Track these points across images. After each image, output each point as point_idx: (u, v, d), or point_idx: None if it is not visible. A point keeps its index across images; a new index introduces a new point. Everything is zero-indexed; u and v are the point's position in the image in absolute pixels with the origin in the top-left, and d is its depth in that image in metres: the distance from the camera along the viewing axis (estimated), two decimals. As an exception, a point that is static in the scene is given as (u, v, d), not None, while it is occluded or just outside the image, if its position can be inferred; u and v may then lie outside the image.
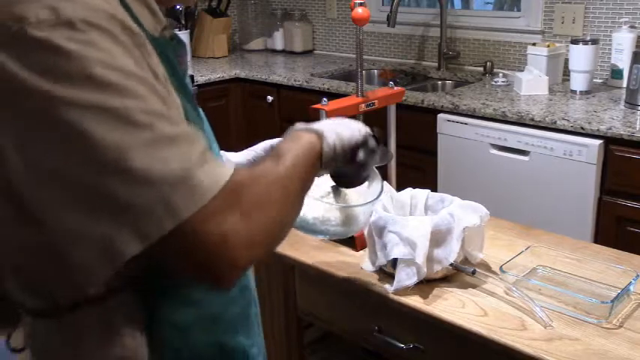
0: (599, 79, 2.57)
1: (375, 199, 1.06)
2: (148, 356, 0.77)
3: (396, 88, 1.53)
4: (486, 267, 1.29)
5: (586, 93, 2.40)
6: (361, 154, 0.95)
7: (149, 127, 0.65)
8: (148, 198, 0.64)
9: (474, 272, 1.21)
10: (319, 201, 1.05)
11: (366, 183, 1.06)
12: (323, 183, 1.07)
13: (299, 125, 0.90)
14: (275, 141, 0.98)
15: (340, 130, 0.92)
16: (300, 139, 0.86)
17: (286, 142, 0.85)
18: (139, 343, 0.77)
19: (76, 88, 0.63)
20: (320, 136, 0.88)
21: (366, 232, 1.30)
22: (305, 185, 0.83)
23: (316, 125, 0.90)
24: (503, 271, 1.23)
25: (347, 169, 0.98)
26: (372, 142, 0.97)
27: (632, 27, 2.40)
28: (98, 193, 0.64)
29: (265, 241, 0.72)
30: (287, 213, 0.78)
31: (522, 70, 2.66)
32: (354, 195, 1.10)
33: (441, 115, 2.41)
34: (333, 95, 2.62)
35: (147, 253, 0.65)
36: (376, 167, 1.40)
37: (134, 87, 0.65)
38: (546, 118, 2.12)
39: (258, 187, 0.73)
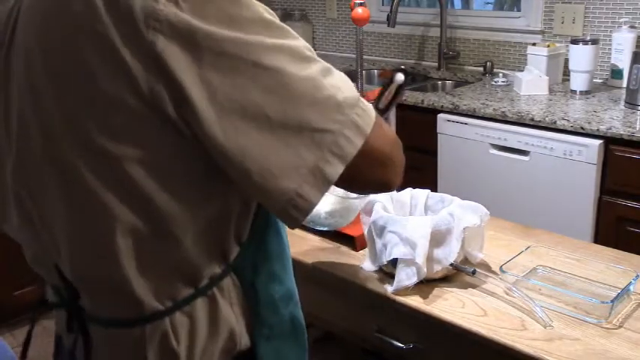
0: (599, 79, 2.57)
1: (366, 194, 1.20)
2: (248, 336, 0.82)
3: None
4: (486, 267, 1.29)
5: (586, 93, 2.40)
6: None
7: (316, 61, 0.71)
8: (340, 121, 0.70)
9: (474, 272, 1.21)
10: (332, 194, 1.16)
11: None
12: None
13: None
14: None
15: None
16: None
17: None
18: (241, 326, 0.82)
19: (257, 34, 0.67)
20: None
21: (365, 232, 1.30)
22: None
23: None
24: (503, 271, 1.23)
25: None
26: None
27: (632, 27, 2.40)
28: (299, 125, 0.68)
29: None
30: None
31: (522, 70, 2.66)
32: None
33: (441, 115, 2.41)
34: (333, 95, 2.61)
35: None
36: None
37: (288, 28, 0.71)
38: (546, 118, 2.12)
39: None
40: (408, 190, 1.39)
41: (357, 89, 1.46)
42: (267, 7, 0.70)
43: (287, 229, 0.87)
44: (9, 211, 0.83)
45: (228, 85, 0.65)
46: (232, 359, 0.82)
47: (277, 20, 0.70)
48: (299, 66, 0.68)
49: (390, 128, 0.82)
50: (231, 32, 0.65)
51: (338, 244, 1.42)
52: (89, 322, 0.82)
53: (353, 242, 1.39)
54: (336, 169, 0.70)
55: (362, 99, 0.74)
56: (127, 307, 0.76)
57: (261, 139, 0.67)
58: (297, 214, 0.71)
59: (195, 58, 0.64)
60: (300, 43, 0.71)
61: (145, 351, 0.77)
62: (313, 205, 0.71)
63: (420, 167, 2.48)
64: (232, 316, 0.81)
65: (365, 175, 0.76)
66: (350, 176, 0.73)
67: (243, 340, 0.82)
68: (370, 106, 0.75)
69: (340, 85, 0.72)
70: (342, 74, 0.75)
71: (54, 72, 0.68)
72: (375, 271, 1.29)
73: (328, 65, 0.73)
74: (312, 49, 0.73)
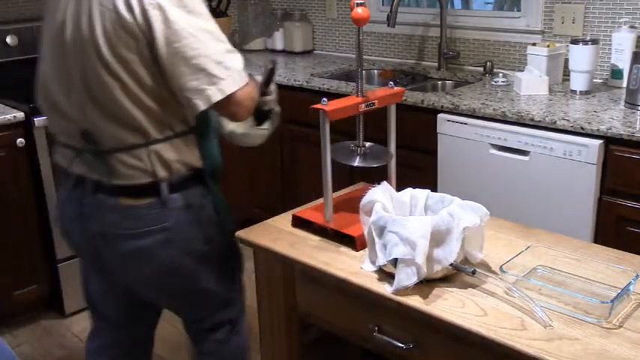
0: (599, 79, 2.57)
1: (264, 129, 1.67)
2: (202, 161, 1.53)
3: (396, 88, 1.53)
4: (486, 267, 1.29)
5: (586, 93, 2.40)
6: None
7: (227, 42, 1.41)
8: (225, 76, 1.37)
9: (474, 272, 1.21)
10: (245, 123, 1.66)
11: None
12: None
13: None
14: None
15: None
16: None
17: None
18: (198, 153, 1.52)
19: (197, 17, 1.37)
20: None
21: (365, 232, 1.30)
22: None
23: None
24: (503, 271, 1.23)
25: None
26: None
27: (632, 27, 2.40)
28: (204, 67, 1.36)
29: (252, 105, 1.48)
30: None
31: (522, 70, 2.66)
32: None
33: (441, 115, 2.41)
34: (333, 95, 2.62)
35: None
36: (375, 167, 1.42)
37: (214, 23, 1.41)
38: (546, 118, 2.13)
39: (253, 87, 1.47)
40: (408, 190, 1.39)
41: (358, 89, 1.47)
42: (206, 9, 1.40)
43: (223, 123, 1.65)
44: (53, 90, 1.48)
45: (175, 39, 1.34)
46: (192, 172, 1.51)
47: (209, 16, 1.40)
48: (215, 41, 1.38)
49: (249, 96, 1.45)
50: (185, 14, 1.35)
51: (338, 244, 1.42)
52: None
53: (353, 242, 1.39)
54: (205, 104, 1.38)
55: (235, 69, 1.40)
56: (132, 135, 1.43)
57: (180, 69, 1.36)
58: (191, 111, 1.42)
59: (165, 22, 1.33)
60: (219, 30, 1.40)
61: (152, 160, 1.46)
62: (198, 110, 1.39)
63: (420, 167, 2.48)
64: (196, 146, 1.51)
65: (221, 109, 1.43)
66: (219, 105, 1.40)
67: (197, 164, 1.52)
68: (237, 78, 1.40)
69: (235, 60, 1.40)
70: (237, 56, 1.42)
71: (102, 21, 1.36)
72: (375, 271, 1.29)
73: (234, 49, 1.42)
74: (226, 38, 1.41)
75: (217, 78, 1.35)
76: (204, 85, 1.35)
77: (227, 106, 1.40)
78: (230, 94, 1.37)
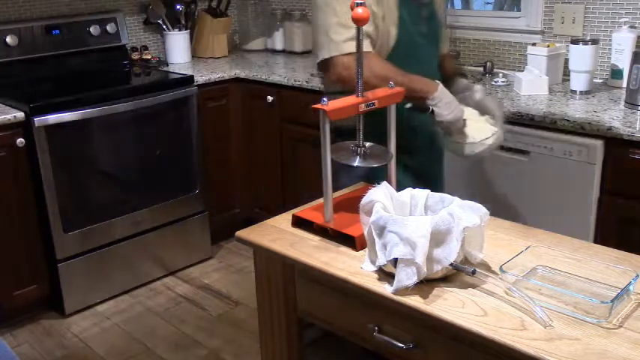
0: (599, 79, 2.57)
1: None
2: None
3: (396, 87, 1.53)
4: (486, 267, 1.29)
5: (586, 93, 2.40)
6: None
7: (342, 16, 1.67)
8: (324, 44, 1.73)
9: (474, 272, 1.21)
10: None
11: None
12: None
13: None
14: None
15: None
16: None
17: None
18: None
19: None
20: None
21: (365, 232, 1.30)
22: None
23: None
24: (503, 271, 1.23)
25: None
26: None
27: (632, 27, 2.40)
28: (316, 35, 1.77)
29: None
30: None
31: (522, 70, 2.66)
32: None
33: (441, 115, 2.40)
34: (333, 95, 2.62)
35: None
36: (376, 167, 1.42)
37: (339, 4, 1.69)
38: (546, 118, 2.13)
39: (372, 69, 1.68)
40: (408, 190, 1.39)
41: (358, 89, 1.47)
42: None
43: None
44: None
45: (314, 9, 1.77)
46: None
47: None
48: (329, 15, 1.70)
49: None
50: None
51: (338, 244, 1.42)
52: None
53: (353, 242, 1.39)
54: (317, 60, 1.78)
55: (335, 40, 1.71)
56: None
57: (317, 27, 1.77)
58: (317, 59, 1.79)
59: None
60: (341, 10, 1.68)
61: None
62: (319, 58, 1.77)
63: (420, 167, 2.48)
64: None
65: (326, 69, 1.77)
66: (321, 65, 1.79)
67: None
68: (344, 50, 1.70)
69: (337, 32, 1.70)
70: (343, 31, 1.69)
71: None
72: (375, 271, 1.29)
73: (350, 25, 1.52)
74: (343, 12, 1.67)
75: (320, 45, 1.74)
76: (315, 49, 1.79)
77: (325, 67, 1.76)
78: (325, 59, 1.73)
